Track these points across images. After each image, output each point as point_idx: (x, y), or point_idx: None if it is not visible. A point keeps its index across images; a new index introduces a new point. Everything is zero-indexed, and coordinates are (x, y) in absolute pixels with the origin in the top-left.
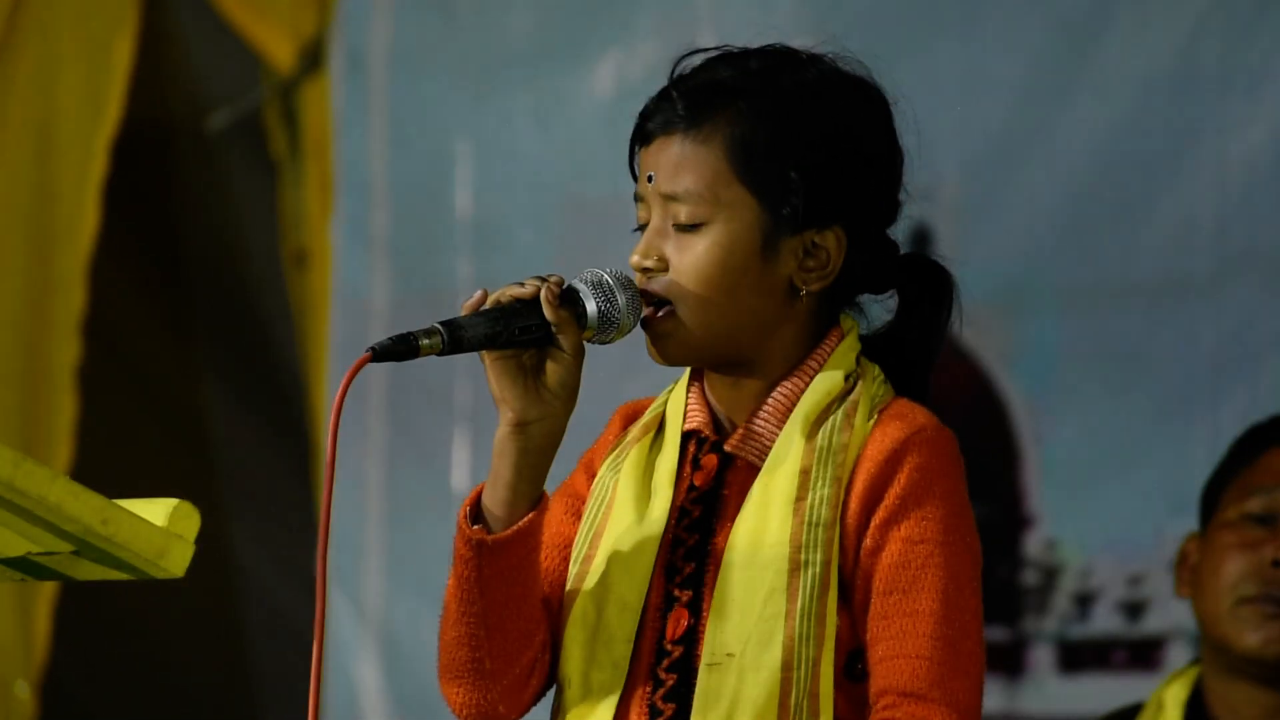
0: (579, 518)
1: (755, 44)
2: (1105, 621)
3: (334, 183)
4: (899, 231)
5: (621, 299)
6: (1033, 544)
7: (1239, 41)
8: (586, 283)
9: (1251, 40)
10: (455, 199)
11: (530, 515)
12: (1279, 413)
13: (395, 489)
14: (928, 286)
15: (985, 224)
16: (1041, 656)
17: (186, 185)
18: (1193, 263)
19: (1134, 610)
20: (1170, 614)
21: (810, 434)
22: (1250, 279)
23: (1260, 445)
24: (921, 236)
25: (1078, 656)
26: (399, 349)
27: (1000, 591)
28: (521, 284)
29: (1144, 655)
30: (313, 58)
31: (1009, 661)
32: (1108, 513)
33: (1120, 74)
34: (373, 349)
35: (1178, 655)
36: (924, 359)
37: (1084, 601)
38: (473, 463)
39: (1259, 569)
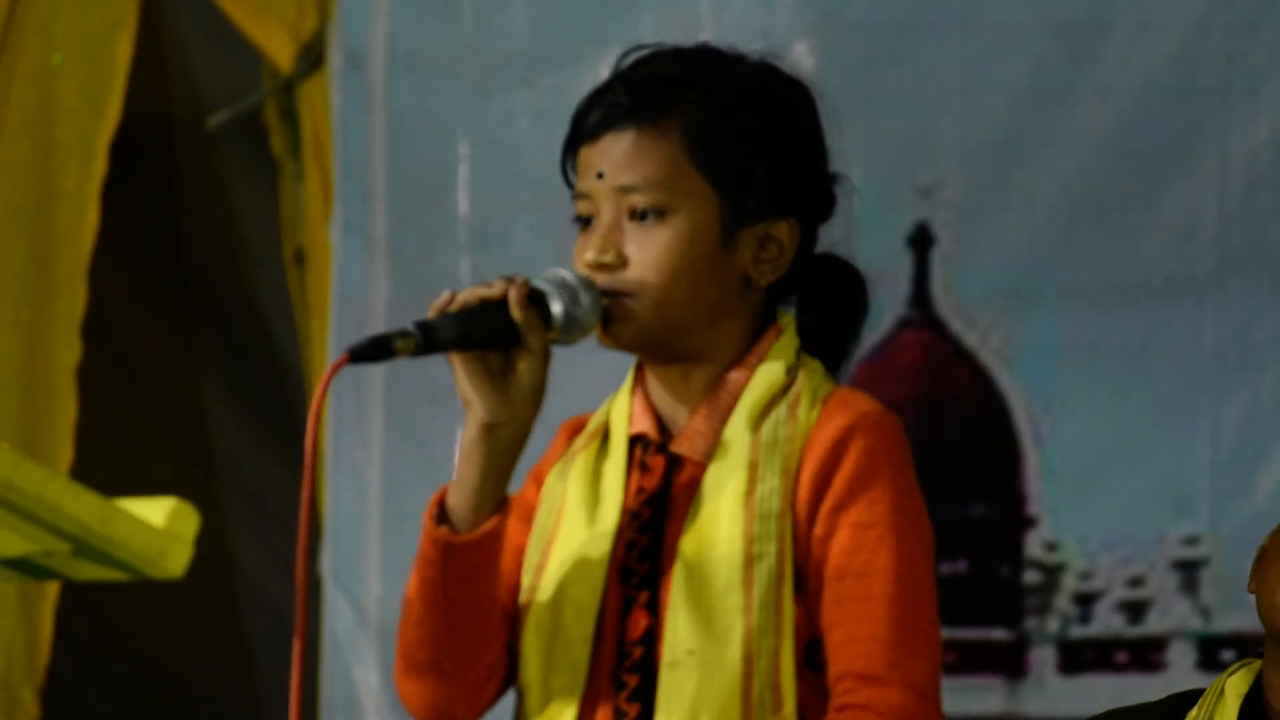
0: (531, 525)
1: (757, 45)
2: (1106, 622)
3: (334, 183)
4: (900, 230)
5: (585, 299)
6: (1033, 544)
7: (1240, 41)
8: (551, 283)
9: (1252, 40)
10: (455, 199)
11: (496, 517)
12: None
13: (395, 489)
14: (838, 284)
15: (985, 224)
16: (1042, 657)
17: (186, 185)
18: (1193, 263)
19: (1135, 611)
20: (1172, 614)
21: (755, 427)
22: (1251, 279)
23: None
24: (921, 236)
25: (1079, 657)
26: (375, 351)
27: (1001, 592)
28: (489, 284)
29: (1145, 656)
30: (313, 57)
31: (1010, 662)
32: (1108, 513)
33: (1121, 74)
34: (350, 350)
35: (1179, 656)
36: (835, 355)
37: (1085, 602)
38: None
39: None
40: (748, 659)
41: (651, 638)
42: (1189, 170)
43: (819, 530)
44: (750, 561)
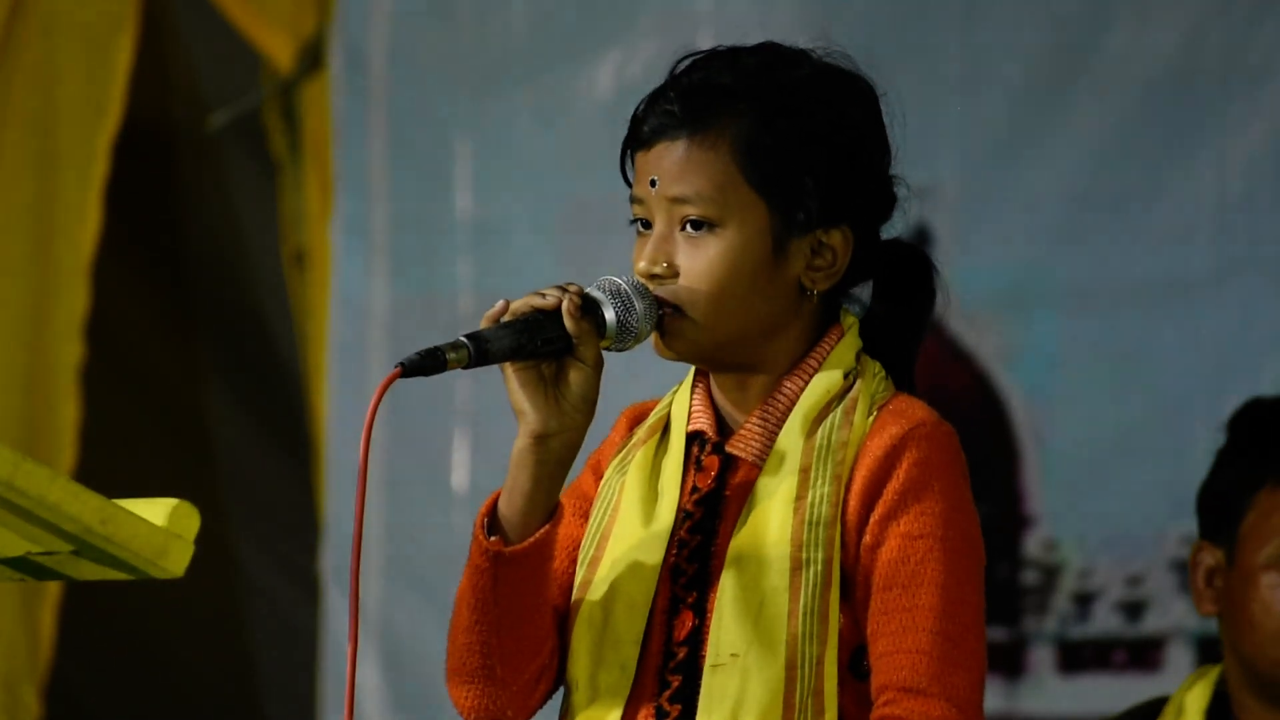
0: (586, 519)
1: (785, 46)
2: (1105, 622)
3: (334, 183)
4: (897, 228)
5: (639, 306)
6: (1033, 544)
7: (1239, 41)
8: (605, 291)
9: (1252, 40)
10: (455, 199)
11: (546, 527)
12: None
13: (395, 489)
14: (908, 272)
15: (985, 224)
16: (1041, 657)
17: (187, 186)
18: (1193, 262)
19: (1134, 610)
20: (1170, 614)
21: (810, 432)
22: (1250, 278)
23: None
24: (921, 236)
25: (1078, 657)
26: (427, 364)
27: (1000, 591)
28: (542, 294)
29: (1144, 655)
30: (313, 58)
31: (1009, 662)
32: (1108, 513)
33: (1120, 74)
34: (402, 364)
35: (1178, 655)
36: (905, 345)
37: (1084, 601)
38: (472, 463)
39: None
40: (791, 665)
41: (696, 639)
42: (1188, 170)
43: (868, 539)
44: (798, 567)
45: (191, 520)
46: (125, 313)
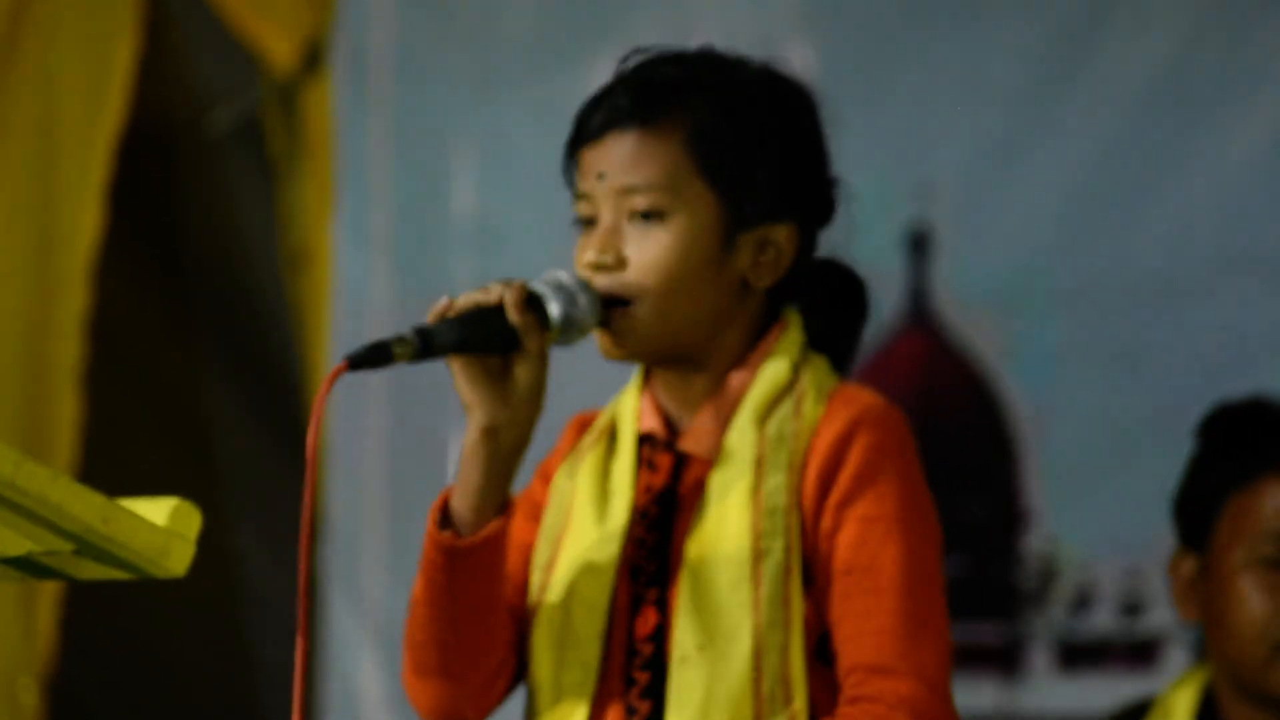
0: (538, 523)
1: (756, 46)
2: (1104, 621)
3: (334, 183)
4: (896, 229)
5: (583, 300)
6: (1031, 543)
7: (1238, 42)
8: (549, 285)
9: (1251, 41)
10: (455, 199)
11: (499, 520)
12: (1253, 405)
13: (395, 489)
14: (841, 294)
15: (985, 224)
16: (1040, 656)
17: (187, 185)
18: (1192, 263)
19: (1133, 610)
20: (1169, 614)
21: (760, 424)
22: (1249, 279)
23: (1253, 469)
24: (921, 236)
25: (1076, 656)
26: (374, 357)
27: (998, 591)
28: (485, 290)
29: (1142, 655)
30: (313, 58)
31: (1007, 661)
32: (1107, 512)
33: (1119, 74)
34: (348, 358)
35: (1176, 655)
36: (842, 345)
37: (1083, 601)
38: None
39: None
40: (757, 654)
41: (661, 635)
42: (1187, 171)
43: (826, 525)
44: (758, 557)
45: (192, 520)
46: (125, 313)
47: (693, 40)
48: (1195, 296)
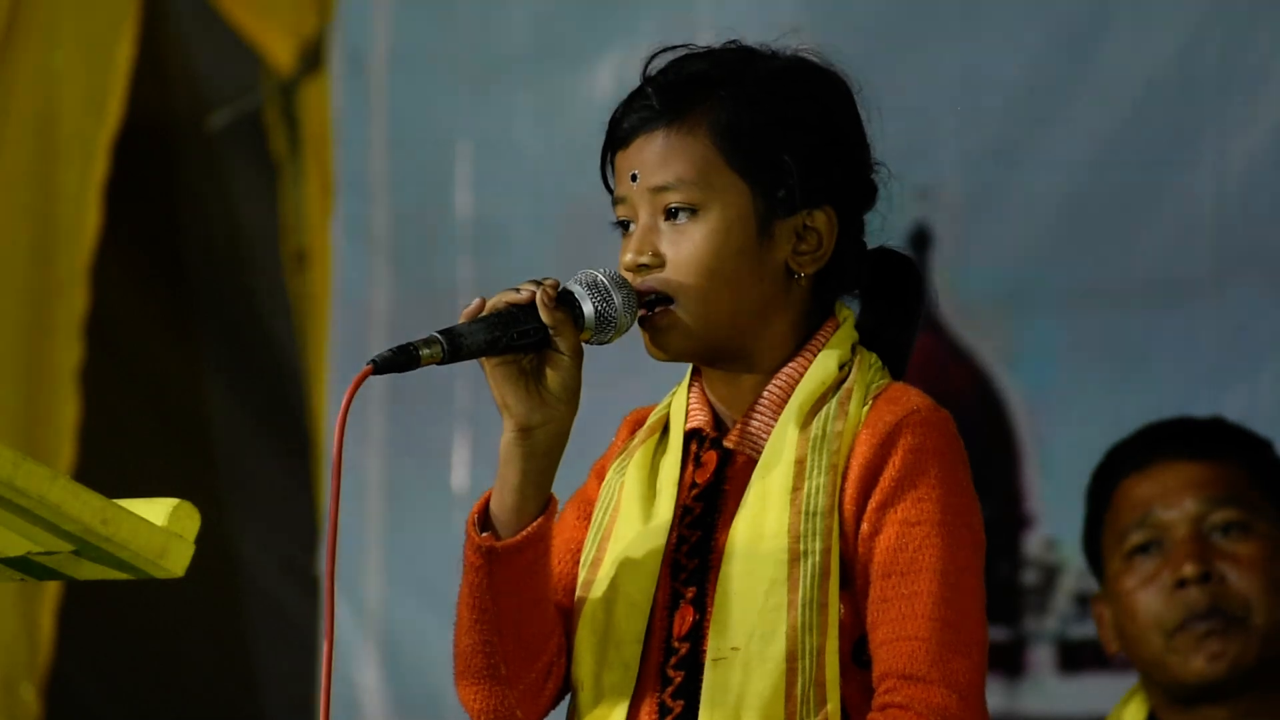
0: (589, 521)
1: (756, 44)
2: None
3: (334, 183)
4: (899, 228)
5: (618, 298)
6: (1033, 543)
7: (1238, 42)
8: (581, 284)
9: (1251, 41)
10: (455, 199)
11: (539, 520)
12: (1114, 444)
13: (395, 489)
14: (896, 282)
15: (985, 224)
16: (1041, 656)
17: (187, 185)
18: (1193, 263)
19: None
20: None
21: (805, 424)
22: (1250, 279)
23: (1108, 485)
24: (921, 236)
25: (1077, 656)
26: (399, 360)
27: (1000, 591)
28: (517, 289)
29: None
30: (313, 58)
31: (1009, 661)
32: None
33: (1120, 74)
34: (374, 361)
35: None
36: (897, 341)
37: (1084, 601)
38: (473, 463)
39: (1169, 597)
40: (791, 656)
41: (697, 634)
42: (1187, 171)
43: (866, 527)
44: (796, 559)
45: (192, 520)
46: (125, 313)
47: (694, 40)
48: (1195, 297)
